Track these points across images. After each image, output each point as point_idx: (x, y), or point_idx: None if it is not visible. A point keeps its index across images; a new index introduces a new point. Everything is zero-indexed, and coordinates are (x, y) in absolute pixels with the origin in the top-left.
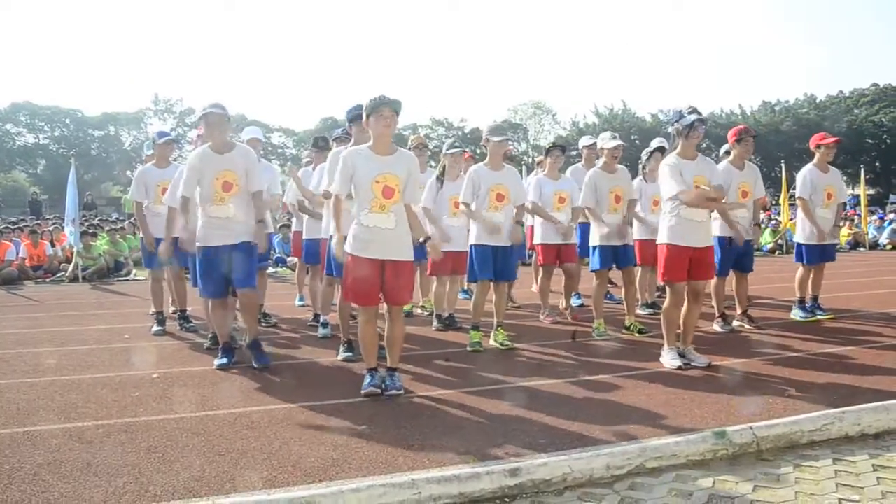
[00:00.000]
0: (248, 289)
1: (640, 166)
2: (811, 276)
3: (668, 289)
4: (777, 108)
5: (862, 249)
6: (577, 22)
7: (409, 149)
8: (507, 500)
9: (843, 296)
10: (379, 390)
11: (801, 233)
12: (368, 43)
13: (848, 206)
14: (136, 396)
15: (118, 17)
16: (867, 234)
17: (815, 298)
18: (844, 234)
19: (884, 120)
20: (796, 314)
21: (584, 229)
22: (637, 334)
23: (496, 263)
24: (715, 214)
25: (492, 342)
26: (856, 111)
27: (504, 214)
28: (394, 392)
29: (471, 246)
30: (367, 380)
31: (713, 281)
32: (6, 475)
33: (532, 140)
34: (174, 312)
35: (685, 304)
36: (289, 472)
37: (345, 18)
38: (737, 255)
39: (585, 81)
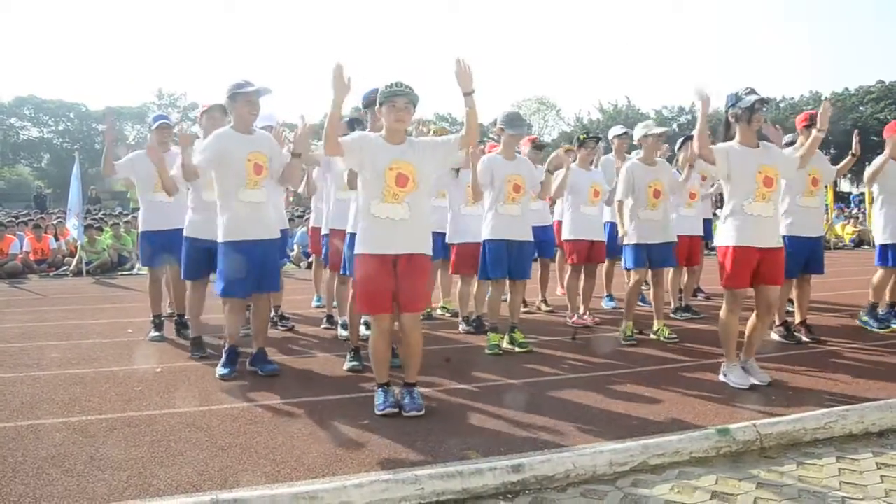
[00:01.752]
0: (271, 293)
1: (674, 160)
2: (893, 279)
3: (725, 294)
4: (782, 104)
5: (866, 247)
6: (580, 18)
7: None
8: (509, 496)
9: (847, 293)
10: (396, 409)
11: (885, 231)
12: (371, 37)
13: (852, 204)
14: (140, 391)
15: (122, 12)
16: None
17: (893, 305)
18: (849, 231)
19: (889, 117)
20: (867, 322)
21: (613, 226)
22: (664, 340)
23: (510, 260)
24: (783, 208)
25: (506, 345)
26: (861, 108)
27: (521, 207)
28: (414, 413)
29: (484, 241)
30: (381, 398)
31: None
32: (10, 469)
33: (536, 135)
34: (171, 315)
35: (753, 315)
36: (292, 467)
37: (347, 12)
38: (807, 255)
39: (589, 77)
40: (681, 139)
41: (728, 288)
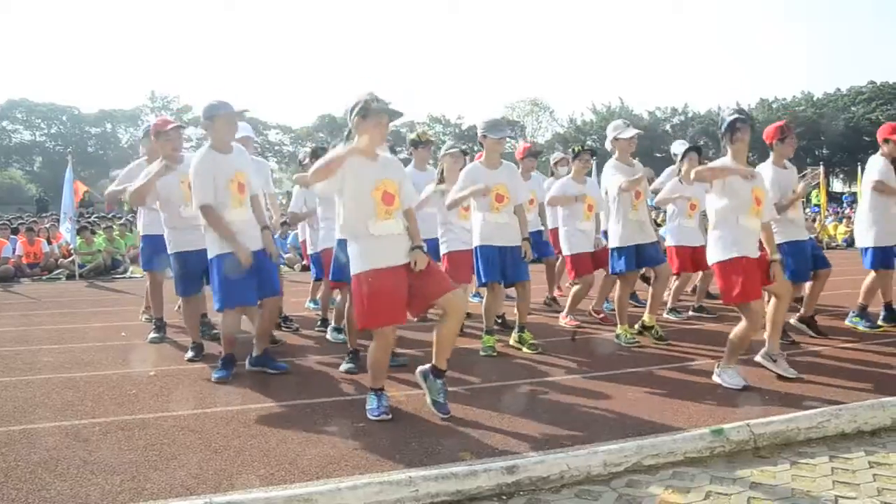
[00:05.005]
0: (278, 297)
1: (678, 169)
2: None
3: (743, 312)
4: (774, 105)
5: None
6: (575, 19)
7: (419, 142)
8: (504, 497)
9: (841, 293)
10: (390, 416)
11: (871, 234)
12: (366, 40)
13: (845, 204)
14: (133, 394)
15: (115, 14)
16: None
17: (888, 305)
18: (842, 231)
19: (881, 117)
20: (858, 323)
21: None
22: (655, 339)
23: (505, 265)
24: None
25: (512, 342)
26: (853, 109)
27: (506, 214)
28: (447, 414)
29: (475, 248)
30: (374, 403)
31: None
32: (3, 473)
33: (530, 137)
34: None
35: (774, 300)
36: (286, 469)
37: (343, 15)
38: (813, 258)
39: (583, 79)
40: (683, 149)
41: (745, 302)
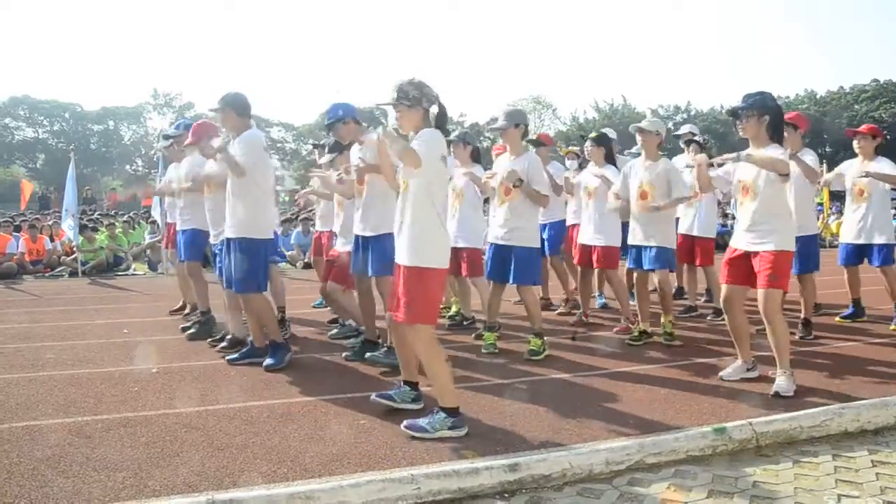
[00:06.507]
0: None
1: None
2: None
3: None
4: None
5: None
6: (577, 16)
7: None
8: (506, 495)
9: (843, 292)
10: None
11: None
12: (368, 36)
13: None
14: (136, 391)
15: (117, 11)
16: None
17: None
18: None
19: (884, 116)
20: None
21: (625, 227)
22: (663, 340)
23: (503, 264)
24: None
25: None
26: (856, 107)
27: (509, 209)
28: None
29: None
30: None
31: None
32: (5, 470)
33: (532, 135)
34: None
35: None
36: (288, 467)
37: (345, 12)
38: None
39: (585, 76)
40: (684, 140)
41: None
